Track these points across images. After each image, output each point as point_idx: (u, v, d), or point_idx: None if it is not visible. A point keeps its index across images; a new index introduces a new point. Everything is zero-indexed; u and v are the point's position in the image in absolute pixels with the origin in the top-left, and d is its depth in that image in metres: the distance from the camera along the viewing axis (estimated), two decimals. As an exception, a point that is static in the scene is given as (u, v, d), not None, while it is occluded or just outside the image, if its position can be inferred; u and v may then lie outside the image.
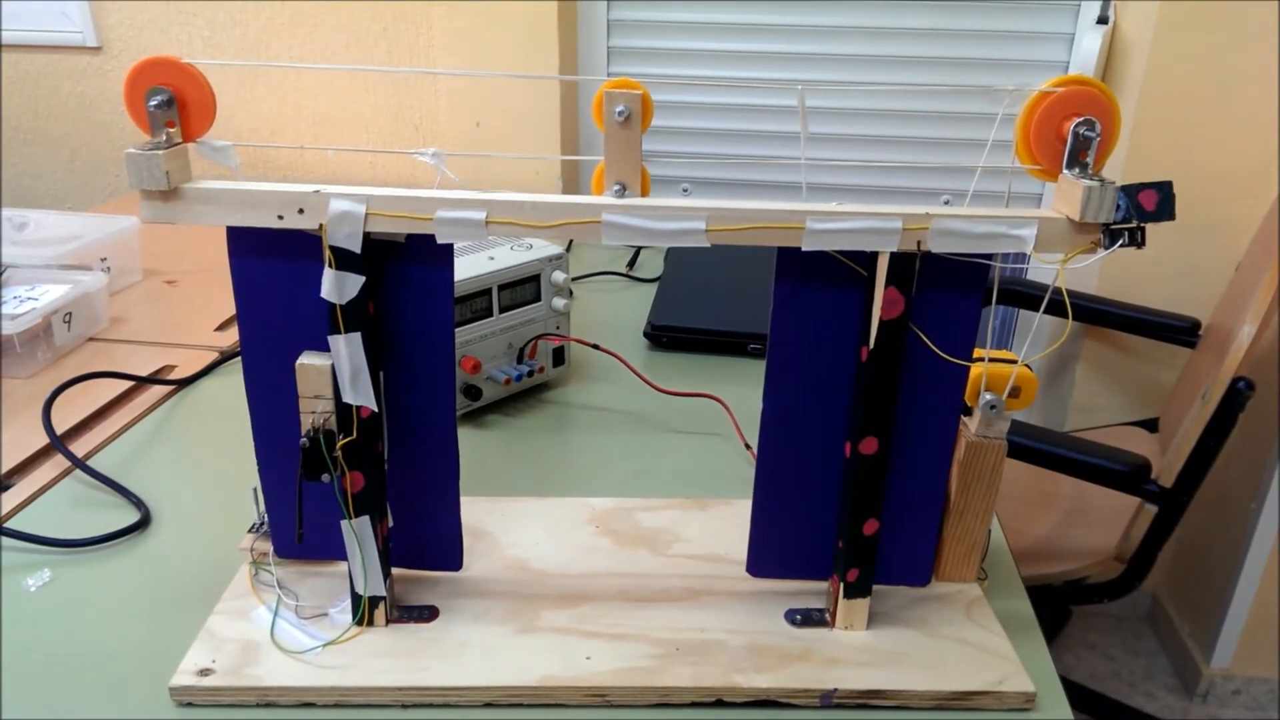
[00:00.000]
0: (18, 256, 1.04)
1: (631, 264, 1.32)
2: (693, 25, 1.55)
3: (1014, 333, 1.64)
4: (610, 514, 0.73)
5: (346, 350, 0.54)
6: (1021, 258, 0.53)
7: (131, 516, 0.73)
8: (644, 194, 0.53)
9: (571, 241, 1.21)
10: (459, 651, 0.59)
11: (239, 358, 0.59)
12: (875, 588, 0.61)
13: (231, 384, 0.95)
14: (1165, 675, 1.69)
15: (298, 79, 1.60)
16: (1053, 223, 0.52)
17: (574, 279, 1.25)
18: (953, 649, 0.60)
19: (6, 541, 0.70)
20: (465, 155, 0.49)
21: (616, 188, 0.52)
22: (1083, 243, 0.52)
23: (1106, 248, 0.51)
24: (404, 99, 1.59)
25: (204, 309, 1.11)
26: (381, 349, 0.57)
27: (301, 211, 0.52)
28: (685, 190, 1.66)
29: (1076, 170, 0.51)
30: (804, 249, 0.52)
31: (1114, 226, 0.51)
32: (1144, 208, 0.50)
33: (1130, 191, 0.50)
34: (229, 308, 1.09)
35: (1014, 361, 0.60)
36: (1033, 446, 1.09)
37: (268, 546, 0.65)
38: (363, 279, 0.53)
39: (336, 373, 0.55)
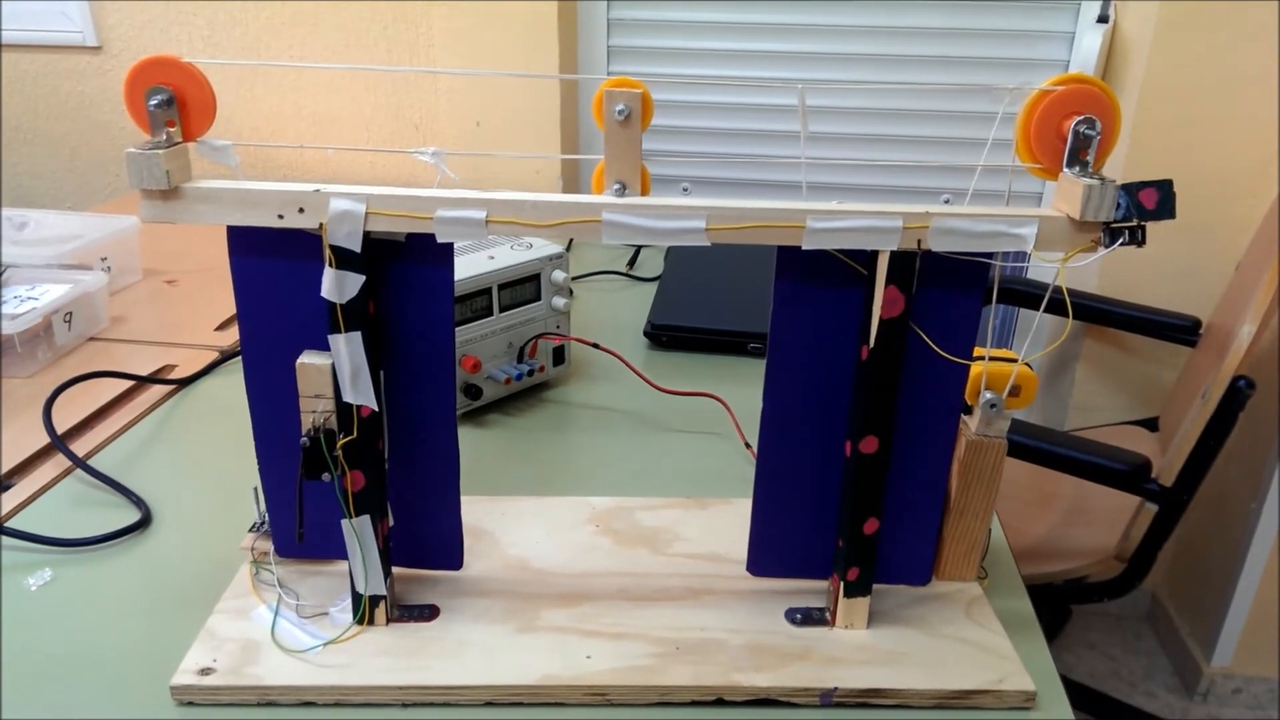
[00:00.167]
0: (18, 256, 1.05)
1: (632, 263, 1.32)
2: (693, 24, 1.55)
3: (1014, 332, 1.64)
4: (610, 513, 0.73)
5: (347, 349, 0.54)
6: (1022, 256, 0.53)
7: (132, 516, 0.73)
8: (644, 193, 0.53)
9: (572, 241, 1.21)
10: (459, 650, 0.59)
11: (239, 357, 0.59)
12: (875, 587, 0.61)
13: (232, 383, 0.95)
14: (1165, 674, 1.69)
15: (298, 78, 1.60)
16: (1053, 221, 0.52)
17: (574, 278, 1.25)
18: (953, 648, 0.60)
19: (7, 541, 0.70)
20: (465, 154, 0.50)
21: (616, 187, 0.52)
22: (1083, 241, 0.52)
23: (1107, 246, 0.51)
24: (404, 98, 1.59)
25: (204, 308, 1.11)
26: (382, 348, 0.57)
27: (302, 211, 0.52)
28: (685, 189, 1.66)
29: (1077, 169, 0.51)
30: (804, 248, 0.52)
31: (1114, 225, 0.51)
32: (1144, 206, 0.50)
33: (1130, 190, 0.50)
34: (229, 307, 1.09)
35: (1014, 360, 0.60)
36: (1033, 445, 1.09)
37: (268, 546, 0.65)
38: (363, 278, 0.53)
39: (337, 372, 0.55)
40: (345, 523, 0.58)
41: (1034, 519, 1.31)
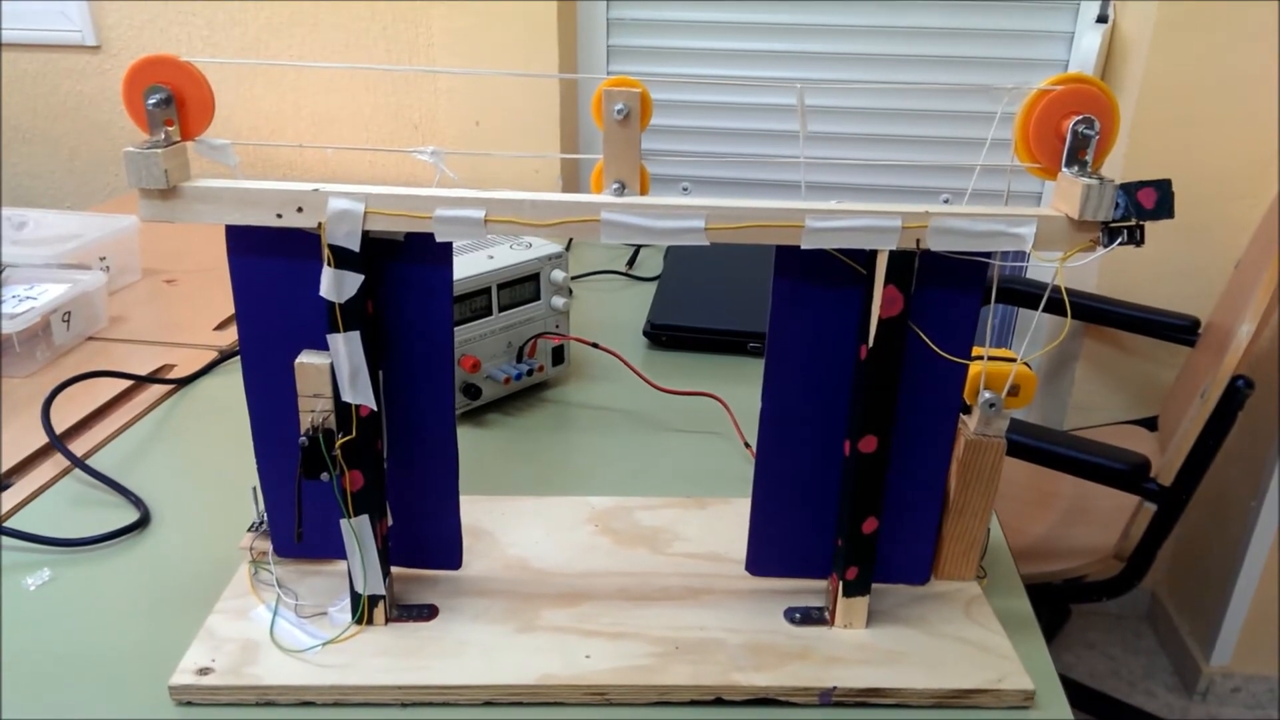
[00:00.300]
0: (17, 256, 1.04)
1: (631, 263, 1.32)
2: (692, 24, 1.55)
3: (1014, 332, 1.64)
4: (610, 513, 0.73)
5: (345, 349, 0.54)
6: (1021, 256, 0.53)
7: (131, 516, 0.73)
8: (643, 192, 0.53)
9: (571, 240, 1.21)
10: (458, 650, 0.59)
11: (238, 357, 0.59)
12: (874, 586, 0.61)
13: (231, 383, 0.95)
14: (1165, 673, 1.69)
15: (297, 78, 1.60)
16: (1052, 221, 0.52)
17: (573, 278, 1.25)
18: (952, 647, 0.60)
19: (6, 541, 0.70)
20: (464, 154, 0.50)
21: (615, 186, 0.52)
22: (1082, 241, 0.52)
23: (1105, 246, 0.52)
24: (403, 98, 1.59)
25: (203, 308, 1.11)
26: (380, 348, 0.57)
27: (300, 210, 0.52)
28: (685, 189, 1.66)
29: (1075, 168, 0.51)
30: (803, 247, 0.52)
31: (1113, 224, 0.51)
32: (1143, 206, 0.50)
33: (1129, 189, 0.50)
34: (228, 307, 1.09)
35: (1013, 360, 0.60)
36: (1032, 445, 1.09)
37: (267, 545, 0.65)
38: (361, 277, 0.53)
39: (335, 371, 0.55)
40: (344, 522, 0.58)
41: (1033, 518, 1.31)
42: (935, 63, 1.51)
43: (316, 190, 0.52)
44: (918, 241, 0.52)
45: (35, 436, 0.82)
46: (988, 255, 0.54)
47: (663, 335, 1.06)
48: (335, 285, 0.53)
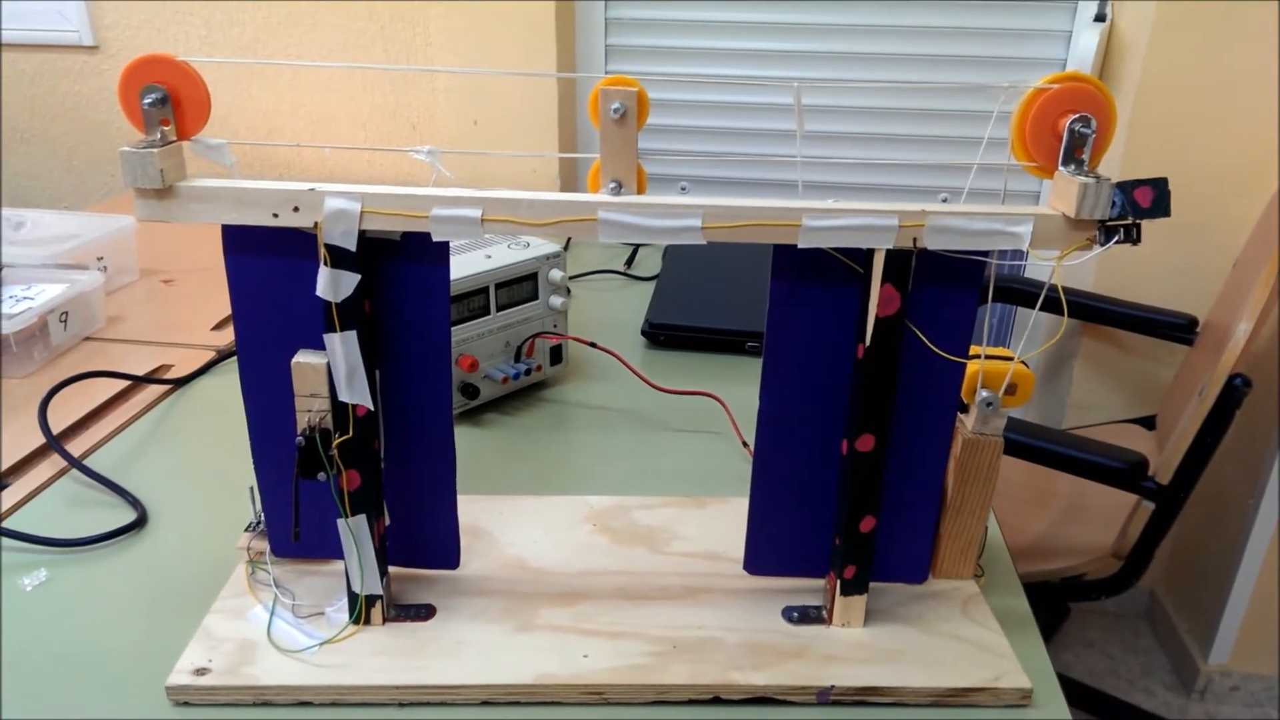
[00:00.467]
0: (14, 256, 1.04)
1: (629, 262, 1.32)
2: (690, 23, 1.55)
3: (1012, 331, 1.64)
4: (608, 512, 0.73)
5: (342, 349, 0.54)
6: (1019, 255, 0.53)
7: (128, 516, 0.73)
8: (640, 191, 0.53)
9: (569, 240, 1.21)
10: (456, 650, 0.59)
11: (235, 357, 0.59)
12: (872, 585, 0.61)
13: (228, 383, 0.95)
14: (1163, 672, 1.69)
15: (295, 78, 1.60)
16: (1048, 219, 0.52)
17: (571, 277, 1.25)
18: (949, 646, 0.60)
19: (3, 541, 0.70)
20: (461, 153, 0.50)
21: (612, 185, 0.52)
22: (1079, 239, 0.52)
23: (1102, 244, 0.52)
24: (401, 97, 1.59)
25: (201, 308, 1.11)
26: (378, 347, 0.57)
27: (297, 209, 0.52)
28: (683, 189, 1.66)
29: (1072, 167, 0.51)
30: (800, 246, 0.52)
31: (1109, 223, 0.51)
32: (1139, 204, 0.50)
33: (1125, 188, 0.50)
34: (225, 307, 1.09)
35: (1010, 359, 0.60)
36: (1030, 444, 1.09)
37: (264, 545, 0.65)
38: (358, 277, 0.53)
39: (332, 371, 0.55)
40: (341, 522, 0.58)
41: (1031, 517, 1.31)
42: (933, 62, 1.51)
43: (312, 190, 0.52)
44: (915, 240, 0.52)
45: (32, 437, 0.82)
46: (985, 254, 0.54)
47: (661, 335, 1.06)
48: (332, 285, 0.53)
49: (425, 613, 0.62)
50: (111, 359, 0.98)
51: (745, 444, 0.86)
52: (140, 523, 0.73)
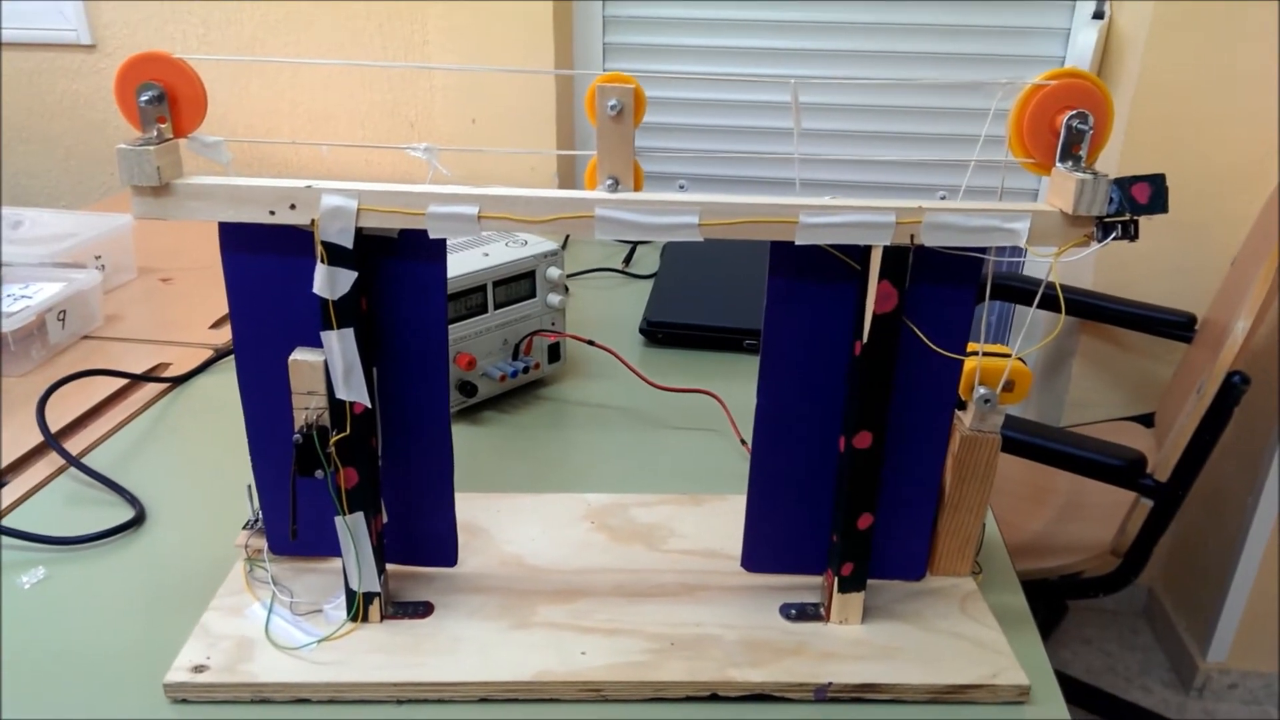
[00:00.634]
0: (13, 254, 1.04)
1: (627, 260, 1.32)
2: (688, 21, 1.55)
3: (1010, 328, 1.64)
4: (606, 510, 0.73)
5: (339, 346, 0.54)
6: (1018, 252, 0.53)
7: (126, 514, 0.73)
8: (637, 188, 0.53)
9: (567, 237, 1.21)
10: (454, 647, 0.59)
11: (233, 355, 0.59)
12: (869, 582, 0.61)
13: (226, 381, 0.95)
14: (1161, 670, 1.69)
15: (293, 77, 1.60)
16: (1046, 216, 0.52)
17: (570, 275, 1.25)
18: (947, 643, 0.60)
19: (1, 539, 0.70)
20: (458, 150, 0.50)
21: (609, 182, 0.52)
22: (1076, 236, 0.52)
23: (1100, 241, 0.52)
24: (400, 95, 1.59)
25: (199, 307, 1.11)
26: (375, 345, 0.57)
27: (293, 207, 0.52)
28: (682, 186, 1.66)
29: (1070, 163, 0.51)
30: (797, 243, 0.52)
31: (1107, 219, 0.51)
32: (1137, 200, 0.50)
33: (1123, 184, 0.50)
34: (223, 305, 1.08)
35: (1008, 356, 0.60)
36: (1028, 441, 1.09)
37: (262, 543, 0.65)
38: (355, 274, 0.53)
39: (329, 368, 0.55)
40: (339, 520, 0.58)
41: (1029, 515, 1.31)
42: (931, 60, 1.51)
43: (309, 187, 0.52)
44: (912, 237, 0.52)
45: (30, 435, 0.82)
46: (982, 251, 0.54)
47: (659, 332, 1.06)
48: (329, 282, 0.53)
49: (423, 610, 0.62)
50: (109, 357, 0.98)
51: (743, 441, 0.86)
52: (138, 521, 0.73)
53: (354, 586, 0.60)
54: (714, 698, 0.57)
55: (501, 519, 0.71)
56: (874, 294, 0.53)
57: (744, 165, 1.63)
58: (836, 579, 0.61)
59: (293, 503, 0.60)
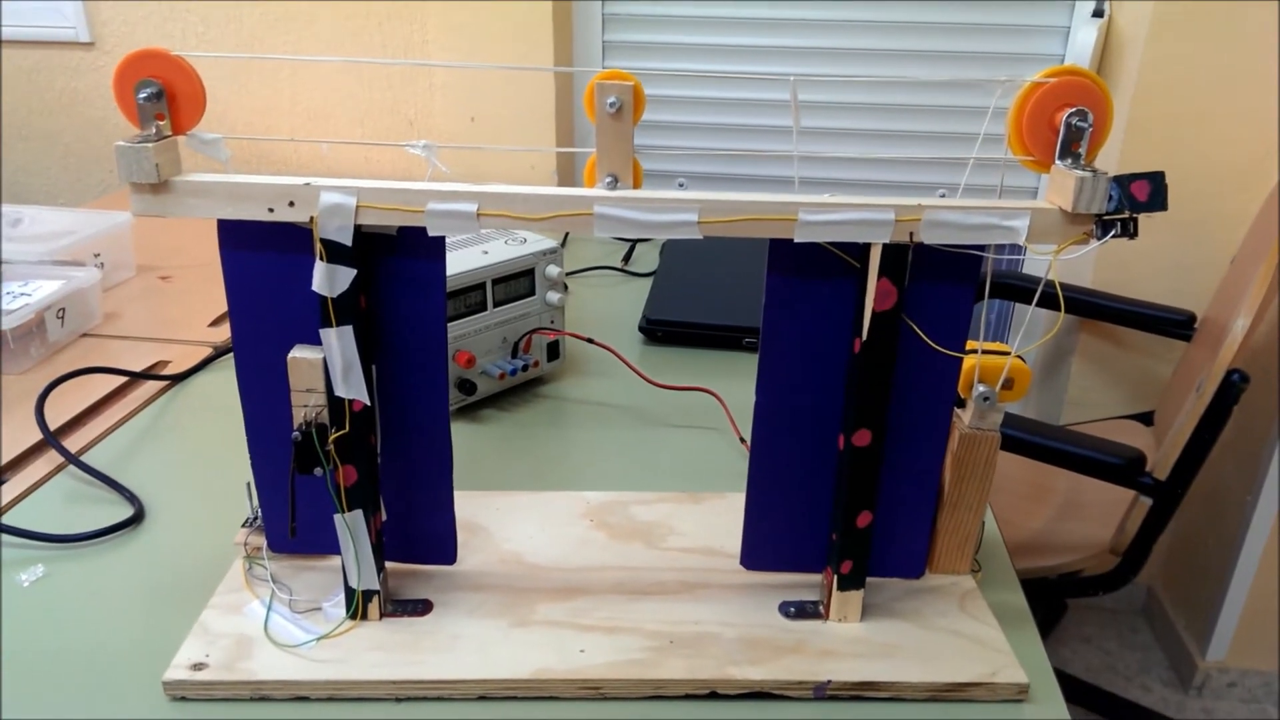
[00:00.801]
0: (12, 252, 1.04)
1: (627, 258, 1.32)
2: (687, 19, 1.55)
3: (1010, 326, 1.64)
4: (605, 508, 0.73)
5: (338, 344, 0.54)
6: (1017, 250, 0.53)
7: (125, 512, 0.73)
8: (636, 186, 0.53)
9: (567, 235, 1.21)
10: (453, 645, 0.59)
11: (232, 353, 0.59)
12: (869, 580, 0.61)
13: (225, 379, 0.95)
14: (1161, 668, 1.69)
15: (292, 75, 1.60)
16: (1045, 213, 0.52)
17: (569, 273, 1.25)
18: (946, 641, 0.60)
19: (1, 537, 0.70)
20: (457, 147, 0.49)
21: (608, 180, 0.52)
22: (1075, 233, 0.52)
23: (1099, 238, 0.51)
24: (399, 93, 1.59)
25: (198, 305, 1.11)
26: (374, 342, 0.57)
27: (292, 204, 0.52)
28: (681, 184, 1.66)
29: (1069, 161, 0.51)
30: (796, 240, 0.52)
31: (1106, 217, 0.51)
32: (1136, 198, 0.50)
33: (1122, 182, 0.50)
34: (222, 303, 1.08)
35: (1007, 354, 0.60)
36: (1027, 440, 1.09)
37: (261, 541, 0.65)
38: (354, 272, 0.53)
39: (328, 366, 0.55)
40: (338, 517, 0.58)
41: (1029, 513, 1.31)
42: (931, 58, 1.51)
43: (308, 184, 0.52)
44: (911, 235, 0.52)
45: (29, 433, 0.82)
46: (982, 249, 0.54)
47: (658, 330, 1.06)
48: (327, 280, 0.53)
49: (422, 608, 0.62)
50: (108, 355, 0.98)
51: (742, 439, 0.86)
52: (137, 518, 0.73)
53: (353, 584, 0.60)
54: (713, 696, 0.57)
55: (500, 517, 0.71)
56: (873, 292, 0.53)
57: (743, 163, 1.63)
58: (836, 577, 0.61)
59: (292, 500, 0.60)
